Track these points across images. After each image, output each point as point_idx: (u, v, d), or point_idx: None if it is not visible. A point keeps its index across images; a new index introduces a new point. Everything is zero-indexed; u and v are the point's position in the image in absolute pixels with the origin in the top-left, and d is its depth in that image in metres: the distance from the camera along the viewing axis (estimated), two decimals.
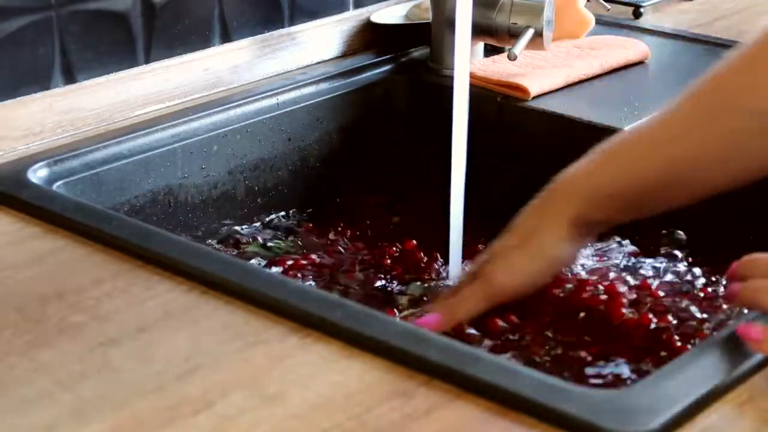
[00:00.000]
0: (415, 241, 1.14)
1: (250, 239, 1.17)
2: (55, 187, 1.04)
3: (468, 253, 1.11)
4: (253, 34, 1.28)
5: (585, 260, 1.06)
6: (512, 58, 1.23)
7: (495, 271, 0.95)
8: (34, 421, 0.73)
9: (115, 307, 0.86)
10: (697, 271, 1.07)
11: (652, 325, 0.96)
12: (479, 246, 1.12)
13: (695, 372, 0.77)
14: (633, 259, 1.10)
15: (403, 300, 1.06)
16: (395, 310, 1.03)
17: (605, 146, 0.97)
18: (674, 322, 0.97)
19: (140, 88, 1.19)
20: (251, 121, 1.20)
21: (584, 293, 0.99)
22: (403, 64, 1.34)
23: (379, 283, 1.08)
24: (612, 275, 1.03)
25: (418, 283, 1.09)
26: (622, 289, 1.00)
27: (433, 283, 1.09)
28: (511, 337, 0.95)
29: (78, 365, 0.79)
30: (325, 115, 1.26)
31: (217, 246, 1.15)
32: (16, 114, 1.10)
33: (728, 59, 0.93)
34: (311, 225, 1.21)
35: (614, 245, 1.11)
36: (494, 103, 1.25)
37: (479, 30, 1.26)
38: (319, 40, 1.34)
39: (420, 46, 1.36)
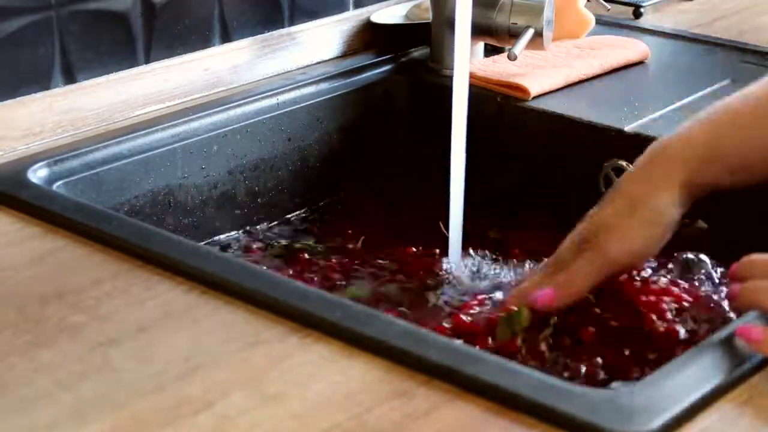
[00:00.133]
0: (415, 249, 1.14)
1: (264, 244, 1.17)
2: (55, 187, 1.04)
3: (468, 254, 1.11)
4: (253, 34, 1.28)
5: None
6: (512, 58, 1.23)
7: (609, 242, 0.92)
8: (34, 421, 0.73)
9: (115, 307, 0.86)
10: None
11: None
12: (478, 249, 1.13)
13: (695, 372, 0.77)
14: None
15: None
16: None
17: (708, 112, 0.95)
18: None
19: (140, 88, 1.19)
20: (251, 121, 1.20)
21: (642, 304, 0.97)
22: (403, 64, 1.34)
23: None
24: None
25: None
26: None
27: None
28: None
29: (78, 365, 0.79)
30: (325, 115, 1.26)
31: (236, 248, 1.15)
32: (16, 114, 1.10)
33: None
34: (311, 224, 1.21)
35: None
36: (494, 103, 1.25)
37: (479, 30, 1.26)
38: (319, 40, 1.34)
39: (420, 46, 1.36)
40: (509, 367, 0.80)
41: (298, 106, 1.24)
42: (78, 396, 0.76)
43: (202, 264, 0.89)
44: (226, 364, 0.79)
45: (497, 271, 1.10)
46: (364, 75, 1.30)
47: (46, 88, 1.13)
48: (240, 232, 1.19)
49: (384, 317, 0.86)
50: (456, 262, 1.11)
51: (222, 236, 1.18)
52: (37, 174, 1.04)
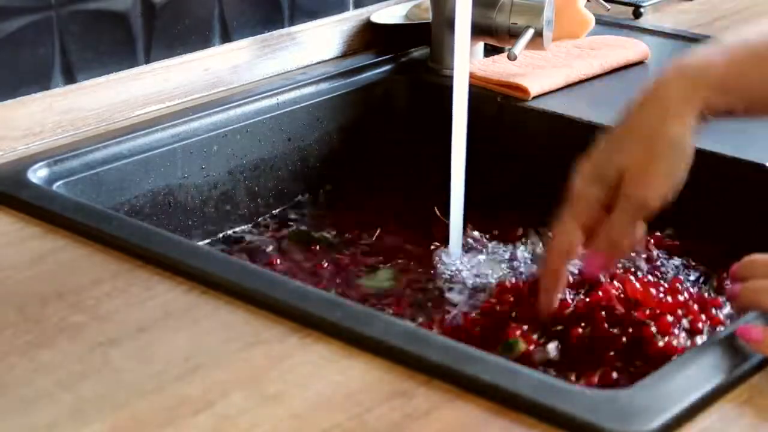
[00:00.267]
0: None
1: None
2: (55, 187, 1.04)
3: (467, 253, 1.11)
4: (253, 34, 1.28)
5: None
6: (512, 58, 1.23)
7: (637, 188, 0.89)
8: (34, 421, 0.73)
9: (115, 307, 0.86)
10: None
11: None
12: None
13: (695, 372, 0.77)
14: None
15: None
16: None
17: (723, 44, 0.93)
18: None
19: (140, 88, 1.19)
20: (251, 121, 1.20)
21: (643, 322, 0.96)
22: (403, 64, 1.34)
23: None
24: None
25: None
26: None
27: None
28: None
29: (78, 365, 0.79)
30: (325, 115, 1.26)
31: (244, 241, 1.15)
32: (16, 114, 1.10)
33: None
34: (312, 224, 1.21)
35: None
36: (494, 103, 1.25)
37: (479, 30, 1.26)
38: (319, 40, 1.34)
39: (420, 46, 1.36)
40: (509, 367, 0.80)
41: (298, 106, 1.24)
42: (78, 396, 0.76)
43: (202, 264, 0.89)
44: (226, 364, 0.79)
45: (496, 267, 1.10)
46: (364, 75, 1.30)
47: (46, 88, 1.13)
48: (247, 225, 1.19)
49: (384, 317, 0.86)
50: (457, 256, 1.11)
51: (229, 231, 1.18)
52: (37, 174, 1.04)
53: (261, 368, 0.79)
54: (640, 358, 0.91)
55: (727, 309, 0.98)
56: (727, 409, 0.75)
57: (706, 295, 1.01)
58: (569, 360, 0.92)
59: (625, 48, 1.35)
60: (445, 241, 1.13)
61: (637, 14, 1.52)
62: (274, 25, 1.30)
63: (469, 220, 1.13)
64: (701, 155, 1.12)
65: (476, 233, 1.14)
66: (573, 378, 0.89)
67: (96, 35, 1.15)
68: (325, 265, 1.12)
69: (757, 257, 0.87)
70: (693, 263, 1.10)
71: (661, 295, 0.97)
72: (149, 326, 0.84)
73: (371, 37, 1.38)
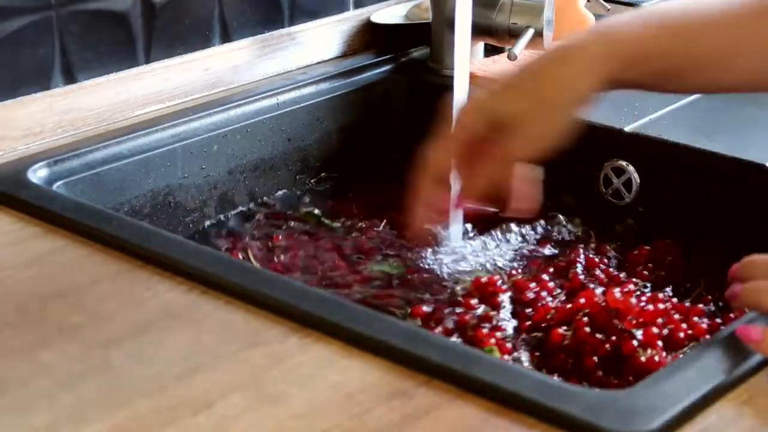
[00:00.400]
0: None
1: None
2: (55, 187, 1.04)
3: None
4: (253, 34, 1.28)
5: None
6: (512, 58, 1.23)
7: (513, 145, 0.91)
8: (34, 421, 0.73)
9: (115, 307, 0.86)
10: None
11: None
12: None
13: (695, 372, 0.77)
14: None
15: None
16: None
17: (648, 9, 0.93)
18: None
19: (140, 88, 1.19)
20: (251, 121, 1.20)
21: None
22: (403, 64, 1.34)
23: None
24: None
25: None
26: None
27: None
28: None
29: (78, 365, 0.79)
30: (325, 115, 1.26)
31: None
32: (16, 114, 1.10)
33: None
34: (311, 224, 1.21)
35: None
36: None
37: (479, 30, 1.26)
38: (319, 40, 1.34)
39: (420, 46, 1.36)
40: (509, 367, 0.80)
41: (298, 106, 1.24)
42: (78, 396, 0.76)
43: (202, 264, 0.89)
44: (226, 364, 0.79)
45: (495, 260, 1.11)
46: (364, 75, 1.30)
47: (46, 88, 1.13)
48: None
49: (384, 317, 0.86)
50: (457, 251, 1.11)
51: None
52: (37, 174, 1.04)
53: (261, 368, 0.79)
54: (620, 372, 0.92)
55: (707, 319, 0.99)
56: (727, 409, 0.75)
57: (686, 304, 1.01)
58: (549, 369, 0.93)
59: None
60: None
61: None
62: (274, 25, 1.30)
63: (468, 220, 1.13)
64: (701, 155, 1.13)
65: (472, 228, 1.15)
66: None
67: (96, 35, 1.15)
68: (326, 251, 1.12)
69: (757, 258, 0.87)
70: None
71: (642, 304, 0.97)
72: (149, 326, 0.84)
73: (371, 37, 1.38)
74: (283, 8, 1.31)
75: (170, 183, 1.14)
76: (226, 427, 0.73)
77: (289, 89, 1.24)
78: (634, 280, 1.06)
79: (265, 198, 1.22)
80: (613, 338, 0.94)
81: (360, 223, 1.17)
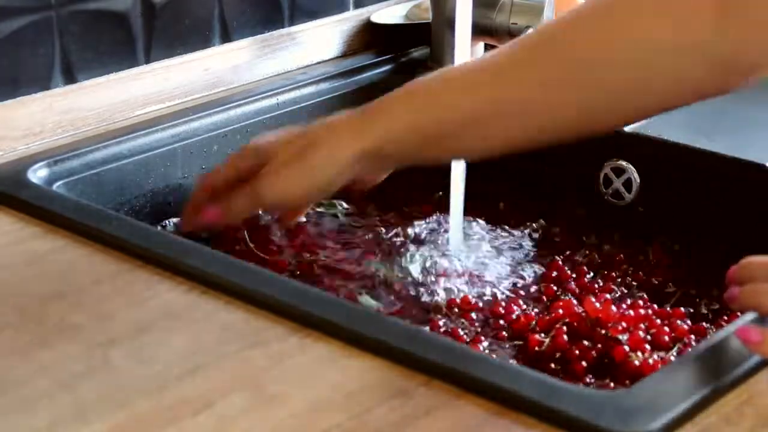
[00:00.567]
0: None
1: None
2: (55, 187, 1.04)
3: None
4: (253, 34, 1.28)
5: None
6: None
7: (264, 187, 0.97)
8: (34, 421, 0.73)
9: (115, 307, 0.86)
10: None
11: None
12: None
13: (695, 372, 0.77)
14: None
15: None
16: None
17: (421, 80, 0.97)
18: None
19: (140, 88, 1.19)
20: (251, 121, 1.20)
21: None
22: (403, 64, 1.34)
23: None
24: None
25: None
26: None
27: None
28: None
29: (78, 365, 0.79)
30: (325, 115, 1.25)
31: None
32: (16, 114, 1.10)
33: (560, 16, 0.94)
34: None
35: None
36: None
37: (479, 30, 1.26)
38: (319, 40, 1.34)
39: (420, 46, 1.35)
40: (509, 367, 0.80)
41: (298, 106, 1.24)
42: (78, 396, 0.76)
43: (202, 264, 0.89)
44: (226, 364, 0.79)
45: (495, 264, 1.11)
46: (364, 75, 1.30)
47: (46, 88, 1.13)
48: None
49: (384, 317, 0.86)
50: (456, 251, 1.11)
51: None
52: (37, 174, 1.04)
53: (261, 368, 0.79)
54: (615, 377, 0.92)
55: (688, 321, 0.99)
56: (727, 409, 0.75)
57: (667, 308, 1.01)
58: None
59: None
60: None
61: None
62: (274, 25, 1.30)
63: (468, 216, 1.13)
64: (701, 155, 1.13)
65: (476, 228, 1.15)
66: None
67: (96, 35, 1.15)
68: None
69: (756, 259, 0.87)
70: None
71: (622, 311, 0.98)
72: (149, 326, 0.84)
73: (371, 37, 1.38)
74: (283, 8, 1.31)
75: (170, 183, 1.13)
76: (226, 427, 0.73)
77: (289, 89, 1.24)
78: (612, 286, 1.07)
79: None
80: (599, 346, 0.95)
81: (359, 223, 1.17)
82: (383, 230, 1.14)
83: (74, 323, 0.84)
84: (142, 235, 0.94)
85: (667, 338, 0.95)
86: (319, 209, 1.17)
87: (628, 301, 1.02)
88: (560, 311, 0.98)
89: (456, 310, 1.02)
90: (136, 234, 0.94)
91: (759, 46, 0.87)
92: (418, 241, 1.12)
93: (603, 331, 0.96)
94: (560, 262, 1.09)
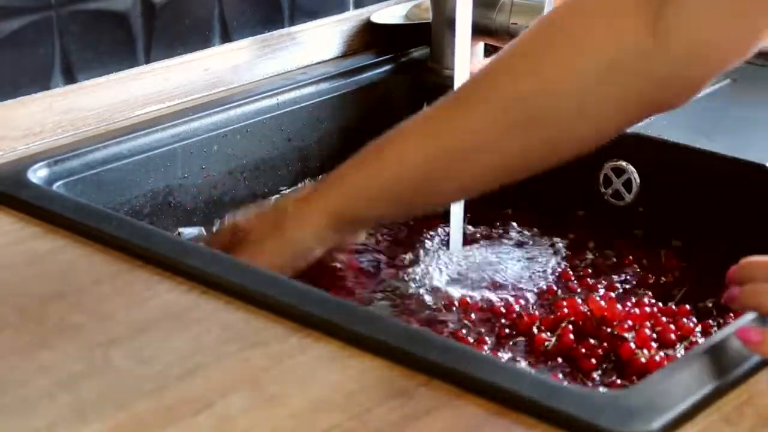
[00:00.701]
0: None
1: None
2: (55, 187, 1.04)
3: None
4: (253, 34, 1.28)
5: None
6: None
7: (244, 255, 0.98)
8: (34, 421, 0.73)
9: (115, 307, 0.86)
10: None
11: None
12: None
13: (695, 372, 0.77)
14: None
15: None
16: None
17: (375, 142, 0.99)
18: None
19: (140, 88, 1.19)
20: (251, 121, 1.20)
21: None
22: (403, 64, 1.34)
23: None
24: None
25: None
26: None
27: None
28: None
29: (78, 365, 0.79)
30: (325, 115, 1.26)
31: None
32: (16, 114, 1.10)
33: (500, 53, 0.96)
34: None
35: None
36: None
37: (479, 30, 1.26)
38: (319, 40, 1.34)
39: (420, 46, 1.36)
40: (509, 367, 0.80)
41: (298, 106, 1.24)
42: (78, 396, 0.76)
43: (202, 264, 0.89)
44: (226, 364, 0.79)
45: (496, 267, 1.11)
46: (364, 75, 1.30)
47: (46, 88, 1.13)
48: None
49: (384, 317, 0.86)
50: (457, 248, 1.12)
51: None
52: (37, 174, 1.04)
53: (261, 368, 0.79)
54: (622, 375, 0.93)
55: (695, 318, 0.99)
56: (727, 409, 0.75)
57: (672, 306, 1.02)
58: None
59: None
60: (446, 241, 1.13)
61: None
62: (274, 25, 1.30)
63: (468, 216, 1.13)
64: (701, 155, 1.13)
65: (477, 230, 1.15)
66: None
67: (96, 35, 1.15)
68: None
69: (755, 260, 0.87)
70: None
71: (627, 309, 0.98)
72: (149, 326, 0.83)
73: (371, 37, 1.38)
74: (283, 8, 1.31)
75: (170, 183, 1.14)
76: (226, 427, 0.73)
77: (289, 89, 1.24)
78: (616, 284, 1.07)
79: (265, 198, 1.22)
80: (605, 344, 0.95)
81: None
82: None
83: (74, 323, 0.84)
84: (142, 235, 0.94)
85: (673, 336, 0.95)
86: None
87: (633, 299, 1.02)
88: (565, 310, 0.98)
89: (459, 311, 1.02)
90: (136, 234, 0.94)
91: (699, 60, 0.88)
92: (422, 245, 1.13)
93: (608, 330, 0.96)
94: (561, 262, 1.09)
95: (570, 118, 0.91)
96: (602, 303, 0.98)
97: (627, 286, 1.07)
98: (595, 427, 0.72)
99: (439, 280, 1.07)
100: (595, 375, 0.93)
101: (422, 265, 1.09)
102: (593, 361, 0.94)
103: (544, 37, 0.93)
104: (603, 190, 1.19)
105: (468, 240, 1.14)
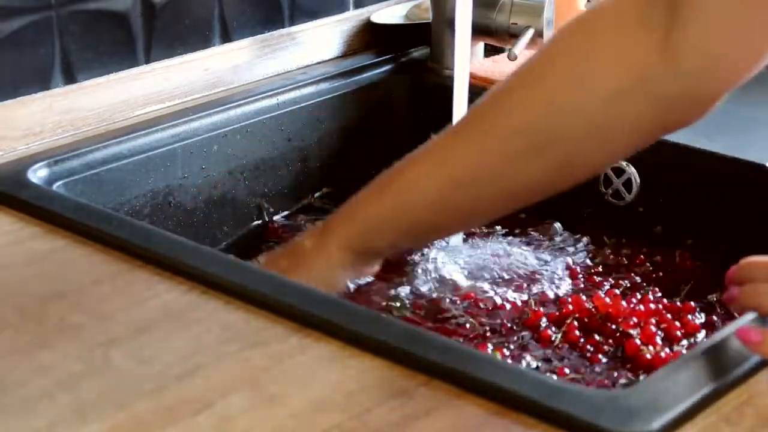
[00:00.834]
0: None
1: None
2: (55, 187, 1.04)
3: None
4: (253, 34, 1.28)
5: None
6: (512, 58, 1.23)
7: None
8: (34, 421, 0.73)
9: (115, 307, 0.86)
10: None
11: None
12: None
13: (695, 372, 0.77)
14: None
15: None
16: None
17: (386, 172, 0.99)
18: None
19: (140, 88, 1.19)
20: (251, 121, 1.20)
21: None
22: (403, 64, 1.34)
23: None
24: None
25: None
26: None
27: None
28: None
29: (78, 365, 0.79)
30: (325, 115, 1.26)
31: None
32: (16, 114, 1.10)
33: (506, 77, 0.95)
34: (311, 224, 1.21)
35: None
36: None
37: (479, 30, 1.26)
38: (319, 40, 1.34)
39: (420, 46, 1.35)
40: (509, 367, 0.80)
41: (298, 106, 1.24)
42: (78, 396, 0.76)
43: (202, 264, 0.89)
44: (226, 364, 0.79)
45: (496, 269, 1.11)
46: (364, 75, 1.30)
47: (46, 88, 1.13)
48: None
49: (384, 317, 0.86)
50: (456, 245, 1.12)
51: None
52: (37, 174, 1.04)
53: (261, 368, 0.79)
54: (629, 371, 0.93)
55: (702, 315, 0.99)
56: (727, 409, 0.75)
57: (677, 302, 1.02)
58: (552, 371, 0.94)
59: None
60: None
61: None
62: (274, 25, 1.30)
63: None
64: (701, 155, 1.13)
65: (477, 229, 1.15)
66: None
67: (96, 35, 1.15)
68: None
69: (755, 260, 0.87)
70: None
71: (632, 306, 0.98)
72: (149, 326, 0.84)
73: (371, 37, 1.38)
74: (283, 8, 1.31)
75: (170, 183, 1.14)
76: (226, 427, 0.73)
77: (289, 89, 1.24)
78: (621, 282, 1.07)
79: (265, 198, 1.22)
80: (610, 340, 0.95)
81: None
82: None
83: (74, 323, 0.84)
84: (142, 235, 0.94)
85: (679, 333, 0.96)
86: None
87: (638, 296, 1.02)
88: (570, 307, 0.98)
89: (462, 308, 1.02)
90: (136, 234, 0.94)
91: (710, 75, 0.87)
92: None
93: (613, 326, 0.96)
94: (565, 260, 1.09)
95: (579, 141, 0.91)
96: (607, 300, 0.98)
97: (631, 284, 1.07)
98: (595, 427, 0.72)
99: (444, 276, 1.07)
100: (599, 369, 0.93)
101: (427, 260, 1.09)
102: (600, 357, 0.94)
103: (551, 59, 0.93)
104: (603, 190, 1.19)
105: (470, 236, 1.14)
